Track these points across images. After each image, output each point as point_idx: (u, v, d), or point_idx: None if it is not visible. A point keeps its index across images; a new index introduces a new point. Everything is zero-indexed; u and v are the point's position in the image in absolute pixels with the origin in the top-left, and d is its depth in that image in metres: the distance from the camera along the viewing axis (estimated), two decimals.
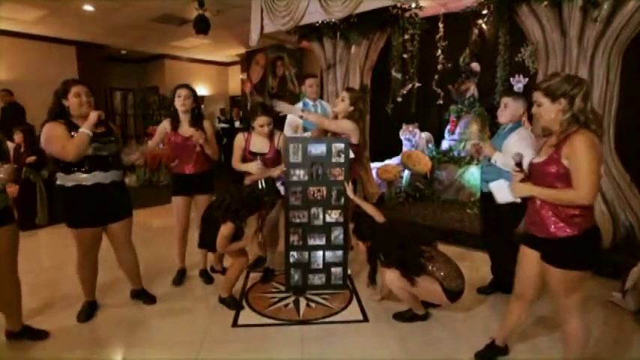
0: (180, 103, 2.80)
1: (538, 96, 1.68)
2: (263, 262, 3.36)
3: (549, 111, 1.65)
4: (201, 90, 10.51)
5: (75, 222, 2.34)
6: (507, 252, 2.56)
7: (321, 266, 2.87)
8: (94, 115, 2.23)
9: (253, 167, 2.83)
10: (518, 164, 1.75)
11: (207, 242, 2.59)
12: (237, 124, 9.88)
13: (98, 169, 2.32)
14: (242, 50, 9.17)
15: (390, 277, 2.36)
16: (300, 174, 2.79)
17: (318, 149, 2.77)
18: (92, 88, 2.40)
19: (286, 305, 2.72)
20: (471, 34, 5.28)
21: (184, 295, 2.94)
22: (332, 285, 2.90)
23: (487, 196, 2.59)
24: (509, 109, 2.54)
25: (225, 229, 2.45)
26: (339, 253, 2.87)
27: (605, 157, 3.41)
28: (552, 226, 1.65)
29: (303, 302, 2.75)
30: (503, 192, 1.89)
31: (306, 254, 2.86)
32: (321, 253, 2.85)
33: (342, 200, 2.81)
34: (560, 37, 3.40)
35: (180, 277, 3.10)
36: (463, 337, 2.32)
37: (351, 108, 2.86)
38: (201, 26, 5.57)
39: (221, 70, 11.00)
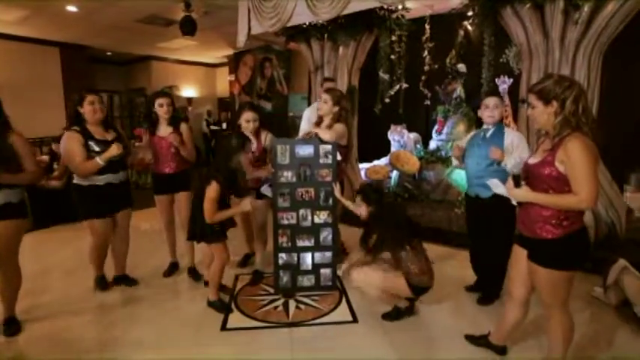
0: (164, 111, 2.96)
1: (532, 99, 1.68)
2: (251, 259, 3.37)
3: (543, 113, 1.66)
4: (189, 92, 10.41)
5: (89, 214, 2.72)
6: (493, 254, 2.62)
7: (310, 267, 2.87)
8: (114, 151, 2.59)
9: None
10: (516, 176, 1.73)
11: (195, 231, 2.57)
12: (224, 125, 9.83)
13: (109, 172, 2.68)
14: (230, 51, 9.11)
15: (360, 277, 2.43)
16: (288, 175, 2.79)
17: (305, 151, 2.78)
18: (99, 94, 2.73)
19: (276, 307, 2.71)
20: (456, 35, 5.33)
21: (173, 297, 2.92)
22: (321, 286, 2.90)
23: (473, 200, 2.64)
24: (498, 110, 2.53)
25: (211, 191, 2.38)
26: (328, 254, 2.88)
27: None
28: (539, 229, 1.68)
29: (292, 304, 2.75)
30: (500, 188, 1.85)
31: (294, 256, 2.86)
32: (309, 254, 2.86)
33: (331, 201, 2.82)
34: (542, 38, 3.47)
35: (171, 270, 3.26)
36: (453, 335, 2.34)
37: (336, 108, 2.84)
38: (188, 27, 5.52)
39: (209, 71, 10.92)
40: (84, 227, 2.81)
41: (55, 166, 5.04)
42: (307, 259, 2.86)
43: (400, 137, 5.69)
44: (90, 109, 2.61)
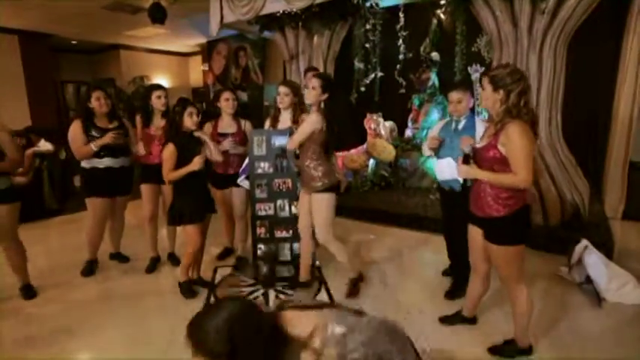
0: (161, 103, 3.09)
1: (485, 81, 1.85)
2: (230, 254, 3.38)
3: (489, 97, 1.82)
4: (161, 82, 10.09)
5: (90, 192, 3.00)
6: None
7: (289, 258, 2.89)
8: (107, 139, 2.88)
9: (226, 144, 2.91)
10: (467, 155, 1.90)
11: (173, 216, 2.62)
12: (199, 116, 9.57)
13: (109, 156, 2.96)
14: (202, 40, 8.88)
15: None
16: (265, 166, 2.79)
17: (282, 141, 2.76)
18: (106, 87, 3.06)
19: (255, 298, 2.72)
20: (430, 24, 5.39)
21: (153, 290, 2.88)
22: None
23: (448, 193, 2.60)
24: (463, 103, 2.46)
25: (166, 152, 2.53)
26: None
27: (554, 142, 3.63)
28: (488, 207, 1.85)
29: (272, 294, 2.77)
30: (446, 170, 2.07)
31: (273, 246, 2.87)
32: (288, 245, 2.87)
33: None
34: (512, 28, 3.56)
35: (153, 265, 3.23)
36: (430, 318, 2.42)
37: (324, 96, 2.47)
38: (157, 15, 5.33)
39: (181, 60, 10.60)
40: (54, 224, 2.73)
41: None
42: (286, 250, 2.88)
43: (376, 126, 5.75)
44: (97, 104, 2.91)
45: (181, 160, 2.54)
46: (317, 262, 3.03)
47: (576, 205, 3.57)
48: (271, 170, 2.79)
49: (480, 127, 2.49)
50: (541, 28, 3.43)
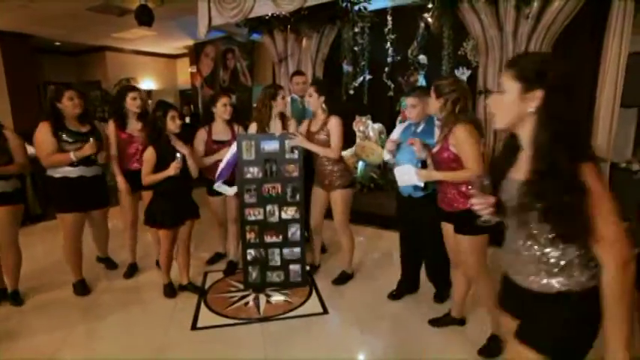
0: (136, 105, 2.95)
1: (431, 91, 2.09)
2: (221, 259, 3.34)
3: (433, 105, 2.09)
4: (148, 84, 9.98)
5: (61, 207, 2.71)
6: (434, 252, 2.54)
7: (279, 263, 2.86)
8: (88, 150, 2.60)
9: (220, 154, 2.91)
10: (424, 161, 2.11)
11: (148, 216, 2.65)
12: (187, 119, 9.52)
13: (82, 164, 2.67)
14: (190, 42, 8.80)
15: None
16: (254, 171, 2.76)
17: (271, 145, 2.74)
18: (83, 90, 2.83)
19: (246, 304, 2.71)
20: (417, 27, 5.44)
21: (140, 297, 2.85)
22: (291, 282, 2.88)
23: (406, 200, 2.53)
24: (417, 108, 2.38)
25: (147, 154, 2.57)
26: (297, 250, 2.85)
27: None
28: (455, 201, 2.04)
29: (263, 299, 2.76)
30: (406, 176, 2.17)
31: (263, 251, 2.85)
32: (278, 250, 2.85)
33: (298, 197, 2.80)
34: (497, 32, 3.62)
35: (131, 272, 3.18)
36: (422, 322, 2.43)
37: (322, 98, 2.73)
38: (144, 17, 5.27)
39: (168, 62, 10.49)
40: (38, 230, 2.69)
41: None
42: (276, 255, 2.85)
43: (365, 128, 5.78)
44: (69, 104, 2.63)
45: (161, 164, 2.55)
46: (307, 267, 3.02)
47: None
48: (260, 175, 2.76)
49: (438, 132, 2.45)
50: (525, 32, 3.49)
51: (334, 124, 2.72)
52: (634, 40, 3.55)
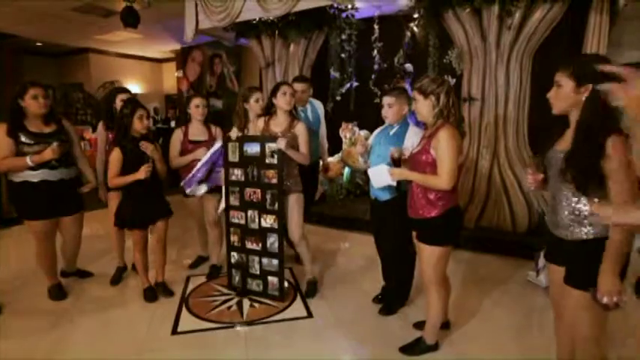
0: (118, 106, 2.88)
1: (415, 94, 1.96)
2: (203, 262, 3.28)
3: (423, 106, 1.94)
4: (133, 88, 9.83)
5: (25, 214, 2.54)
6: (397, 259, 2.54)
7: (258, 272, 2.75)
8: (48, 155, 2.39)
9: (199, 152, 2.86)
10: (396, 160, 2.02)
11: (118, 218, 2.63)
12: (173, 124, 9.41)
13: (45, 167, 2.46)
14: (177, 46, 8.74)
15: None
16: (238, 174, 2.69)
17: (253, 149, 2.61)
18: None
19: (229, 308, 2.66)
20: (404, 36, 5.54)
21: (119, 301, 2.77)
22: (269, 294, 2.73)
23: (374, 203, 2.51)
24: (393, 108, 2.35)
25: (113, 155, 2.49)
26: (275, 261, 2.67)
27: (521, 152, 3.78)
28: (421, 209, 1.96)
29: (246, 303, 2.71)
30: (380, 176, 2.11)
31: (244, 257, 2.77)
32: (257, 258, 2.72)
33: (276, 205, 2.61)
34: (480, 41, 3.71)
35: (119, 275, 3.08)
36: (407, 326, 2.42)
37: (293, 100, 2.71)
38: (130, 19, 5.20)
39: (154, 66, 10.38)
40: (13, 233, 2.58)
41: None
42: (255, 263, 2.74)
43: (351, 135, 5.80)
44: (33, 103, 2.43)
45: (128, 166, 2.48)
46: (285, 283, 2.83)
47: (542, 212, 3.71)
48: (243, 178, 2.70)
49: (412, 138, 2.34)
50: (508, 42, 3.59)
51: (301, 129, 2.65)
52: (610, 53, 3.68)
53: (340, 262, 3.49)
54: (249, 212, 2.70)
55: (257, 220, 2.67)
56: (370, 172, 2.20)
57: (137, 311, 2.64)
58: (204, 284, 3.02)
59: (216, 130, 3.06)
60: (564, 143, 1.47)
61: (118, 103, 2.90)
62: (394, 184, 2.14)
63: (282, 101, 2.64)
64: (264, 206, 2.64)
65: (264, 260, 2.71)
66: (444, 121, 1.89)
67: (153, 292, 2.75)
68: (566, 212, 1.47)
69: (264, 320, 2.50)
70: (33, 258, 2.74)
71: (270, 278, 2.72)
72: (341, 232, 4.26)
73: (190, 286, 2.97)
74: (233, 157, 2.69)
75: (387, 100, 2.37)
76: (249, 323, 2.47)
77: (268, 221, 2.65)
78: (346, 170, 5.44)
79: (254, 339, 2.31)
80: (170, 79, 10.17)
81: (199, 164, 2.78)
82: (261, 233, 2.68)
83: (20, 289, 2.91)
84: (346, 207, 4.85)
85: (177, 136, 2.98)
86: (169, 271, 3.15)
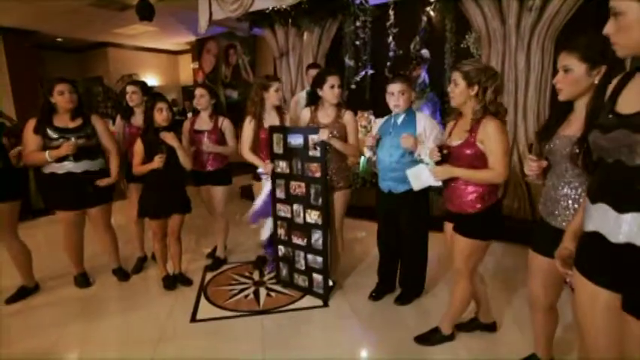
0: (132, 100, 3.01)
1: (457, 77, 1.79)
2: (143, 264, 3.23)
3: (463, 93, 1.79)
4: (150, 80, 9.98)
5: (51, 205, 2.71)
6: (412, 251, 2.51)
7: (303, 267, 2.66)
8: (64, 150, 2.48)
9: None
10: (441, 148, 1.86)
11: (141, 207, 2.71)
12: (189, 115, 9.53)
13: (68, 160, 2.55)
14: (192, 38, 8.79)
15: None
16: (283, 166, 2.58)
17: (296, 140, 2.48)
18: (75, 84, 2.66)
19: (246, 296, 2.71)
20: (420, 21, 5.39)
21: (140, 290, 2.87)
22: (313, 291, 2.64)
23: (386, 196, 2.43)
24: (405, 95, 2.29)
25: (136, 146, 2.64)
26: (319, 259, 2.56)
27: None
28: (465, 204, 1.84)
29: (263, 292, 2.76)
30: (422, 177, 1.99)
31: (291, 251, 2.70)
32: (303, 254, 2.64)
33: (320, 201, 2.48)
34: (500, 25, 3.58)
35: (140, 265, 3.18)
36: (423, 317, 2.41)
37: (340, 91, 2.56)
38: (145, 12, 5.27)
39: (171, 58, 10.49)
40: (41, 224, 2.69)
41: None
42: (301, 258, 2.65)
43: (367, 123, 5.75)
44: (60, 99, 2.53)
45: (149, 157, 2.60)
46: (330, 282, 2.73)
47: None
48: (288, 171, 2.56)
49: (422, 123, 2.30)
50: (529, 24, 3.46)
51: (349, 118, 2.53)
52: None
53: (356, 252, 3.49)
54: (295, 206, 2.59)
55: (302, 214, 2.57)
56: (409, 173, 2.06)
57: (157, 299, 2.72)
58: (222, 273, 3.08)
59: (223, 122, 3.04)
60: (571, 129, 1.40)
61: (128, 94, 3.01)
62: (439, 184, 1.97)
63: (330, 95, 2.49)
64: (309, 201, 2.52)
65: (309, 256, 2.61)
66: (488, 114, 1.75)
67: (171, 281, 2.83)
68: (570, 201, 1.42)
69: (280, 309, 2.54)
70: (60, 248, 2.85)
71: (314, 275, 2.62)
72: (357, 222, 4.25)
73: (209, 275, 3.04)
74: (278, 148, 2.58)
75: (397, 87, 2.28)
76: (266, 312, 2.51)
77: (313, 217, 2.53)
78: (362, 159, 5.41)
79: (271, 327, 2.35)
80: (186, 70, 10.27)
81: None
82: (306, 229, 2.57)
83: (49, 278, 3.03)
84: (362, 196, 4.83)
85: (185, 126, 3.03)
86: (188, 261, 3.24)
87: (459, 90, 1.79)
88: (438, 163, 1.87)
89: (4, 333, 2.34)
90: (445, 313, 2.11)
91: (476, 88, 1.75)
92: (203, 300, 2.67)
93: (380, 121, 2.54)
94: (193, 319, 2.45)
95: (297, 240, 2.64)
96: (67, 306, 2.64)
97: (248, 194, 5.40)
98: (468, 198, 1.82)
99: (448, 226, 2.00)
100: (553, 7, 3.35)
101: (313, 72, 3.32)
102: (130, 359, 2.11)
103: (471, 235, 1.86)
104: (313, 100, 2.64)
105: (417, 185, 2.09)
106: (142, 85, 3.11)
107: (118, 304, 2.69)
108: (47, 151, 2.49)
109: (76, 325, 2.42)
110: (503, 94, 1.83)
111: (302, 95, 3.51)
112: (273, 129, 2.59)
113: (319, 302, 2.61)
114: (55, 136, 2.53)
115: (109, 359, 2.13)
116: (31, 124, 2.53)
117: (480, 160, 1.77)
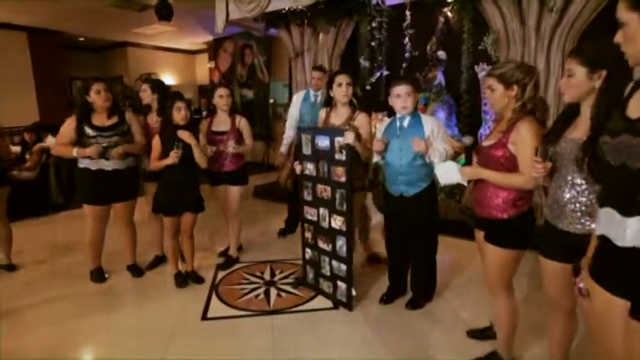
0: (144, 97, 3.09)
1: (493, 82, 1.72)
2: (160, 262, 3.26)
3: (503, 97, 1.71)
4: (168, 79, 10.14)
5: (82, 199, 2.81)
6: (423, 255, 2.47)
7: (329, 274, 2.61)
8: (89, 152, 2.62)
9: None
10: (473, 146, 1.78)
11: (155, 203, 2.77)
12: (204, 113, 9.64)
13: (101, 157, 2.67)
14: (209, 38, 8.89)
15: None
16: (310, 168, 2.55)
17: (323, 142, 2.43)
18: (109, 82, 2.83)
19: (257, 296, 2.73)
20: (436, 22, 5.33)
21: (153, 286, 2.91)
22: (337, 299, 2.58)
23: (396, 199, 2.39)
24: (412, 96, 2.25)
25: (154, 142, 2.71)
26: (343, 267, 2.49)
27: None
28: (495, 209, 1.74)
29: (273, 292, 2.77)
30: (449, 174, 1.90)
31: (317, 255, 2.68)
32: (328, 259, 2.59)
33: (345, 206, 2.42)
34: (519, 26, 3.51)
35: (156, 263, 3.22)
36: (434, 322, 2.40)
37: (350, 90, 2.57)
38: (164, 12, 5.35)
39: (188, 58, 10.64)
40: (60, 219, 2.76)
41: (27, 156, 4.89)
42: (326, 264, 2.61)
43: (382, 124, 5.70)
44: (97, 97, 2.66)
45: (165, 153, 2.65)
46: (353, 292, 2.67)
47: None
48: (315, 173, 2.51)
49: (429, 125, 2.27)
50: (549, 26, 3.38)
51: (362, 120, 2.53)
52: None
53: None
54: (321, 210, 2.56)
55: (327, 219, 2.53)
56: (438, 168, 1.98)
57: (170, 296, 2.76)
58: (233, 272, 3.11)
59: (241, 121, 3.06)
60: (578, 131, 1.40)
61: (142, 92, 3.08)
62: (464, 183, 1.90)
63: (338, 93, 2.51)
64: (334, 206, 2.47)
65: (334, 263, 2.55)
66: (525, 114, 1.67)
67: (182, 278, 2.87)
68: (577, 204, 1.41)
69: (290, 310, 2.55)
70: (78, 243, 2.92)
71: (339, 283, 2.56)
72: None
73: (220, 274, 3.07)
74: (306, 149, 2.56)
75: (404, 88, 2.24)
76: (276, 312, 2.52)
77: (337, 222, 2.47)
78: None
79: (280, 327, 2.36)
80: (202, 70, 10.40)
81: None
82: (331, 234, 2.53)
83: (66, 272, 3.11)
84: (375, 196, 4.80)
85: (203, 127, 3.04)
86: (201, 259, 3.27)
87: (497, 94, 1.72)
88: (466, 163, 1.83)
89: (20, 325, 2.42)
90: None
91: (515, 88, 1.68)
92: (214, 298, 2.70)
93: (382, 124, 2.50)
94: (204, 317, 2.48)
95: (322, 245, 2.61)
96: (81, 301, 2.70)
97: (261, 193, 5.44)
98: (496, 202, 1.73)
99: (479, 235, 1.89)
100: (575, 9, 3.27)
101: (316, 74, 3.43)
102: (142, 356, 2.14)
103: (505, 244, 1.74)
104: (328, 101, 2.70)
105: (443, 180, 2.01)
106: (153, 83, 3.14)
107: (132, 299, 2.74)
108: (75, 148, 2.65)
109: (86, 320, 2.47)
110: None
111: (300, 94, 3.53)
112: (302, 130, 2.65)
113: (329, 304, 2.60)
114: (92, 134, 2.66)
115: (123, 353, 2.17)
116: (72, 121, 2.67)
117: (509, 163, 1.69)
